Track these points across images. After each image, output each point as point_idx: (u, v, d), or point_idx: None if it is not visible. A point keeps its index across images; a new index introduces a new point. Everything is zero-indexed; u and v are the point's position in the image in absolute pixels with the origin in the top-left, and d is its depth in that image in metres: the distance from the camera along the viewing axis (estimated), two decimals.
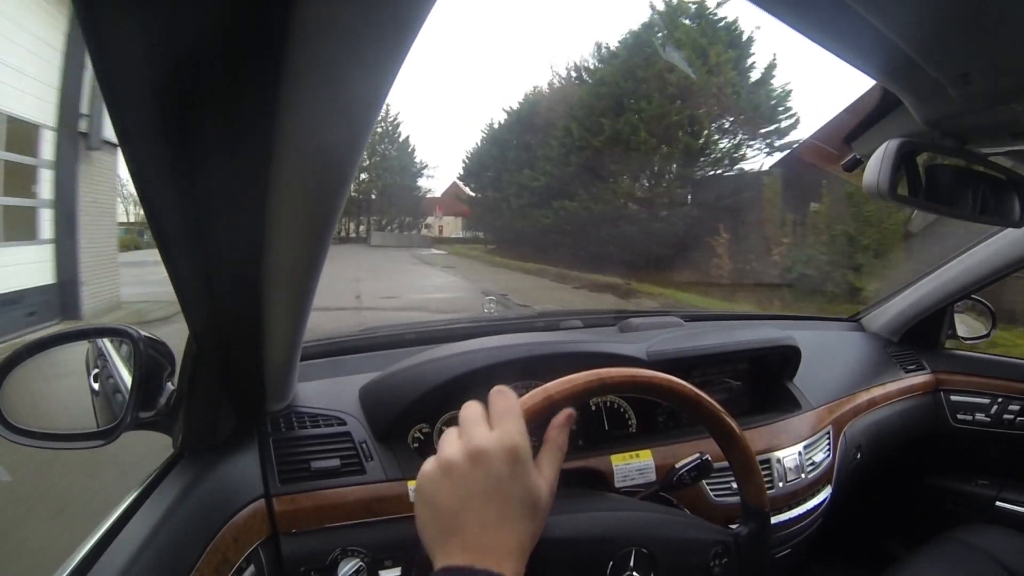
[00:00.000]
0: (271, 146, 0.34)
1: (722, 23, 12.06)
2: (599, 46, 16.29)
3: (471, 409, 0.47)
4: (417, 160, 29.12)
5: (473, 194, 23.10)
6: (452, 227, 30.62)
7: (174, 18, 0.27)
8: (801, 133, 11.88)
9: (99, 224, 7.14)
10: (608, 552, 0.56)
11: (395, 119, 27.13)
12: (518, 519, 0.42)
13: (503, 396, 0.47)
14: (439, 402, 0.83)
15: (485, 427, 0.46)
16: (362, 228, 28.38)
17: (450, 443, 0.45)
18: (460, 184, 26.89)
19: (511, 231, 17.78)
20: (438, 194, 30.15)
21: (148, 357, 0.68)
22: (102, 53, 0.28)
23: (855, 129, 0.77)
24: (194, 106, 0.32)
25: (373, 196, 27.51)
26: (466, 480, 0.42)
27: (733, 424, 0.62)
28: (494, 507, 0.41)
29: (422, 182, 29.93)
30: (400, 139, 28.07)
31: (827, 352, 1.32)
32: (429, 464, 0.45)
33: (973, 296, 1.42)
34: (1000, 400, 1.34)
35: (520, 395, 0.54)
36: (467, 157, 22.65)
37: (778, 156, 11.83)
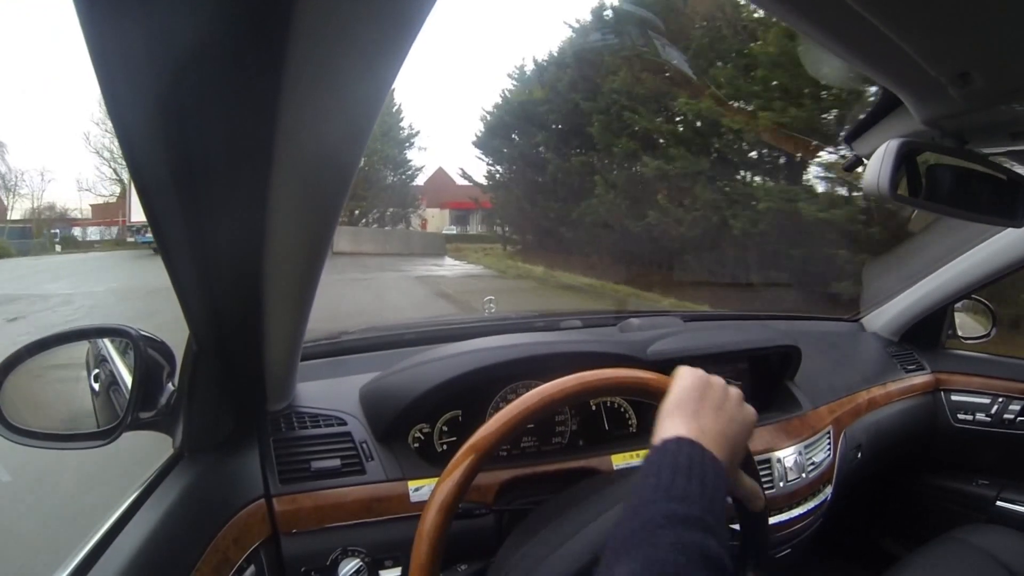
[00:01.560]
0: (271, 146, 0.34)
1: None
2: None
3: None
4: (405, 124, 20.08)
5: (485, 178, 15.52)
6: (439, 221, 24.46)
7: (174, 18, 0.27)
8: None
9: None
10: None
11: None
12: (737, 440, 0.52)
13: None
14: (439, 402, 0.83)
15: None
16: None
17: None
18: (446, 171, 22.50)
19: (545, 228, 12.45)
20: (420, 182, 22.23)
21: (148, 357, 0.68)
22: (102, 53, 0.28)
23: (855, 129, 0.77)
24: (194, 106, 0.32)
25: None
26: (717, 393, 0.54)
27: None
28: (726, 420, 0.52)
29: (413, 155, 21.97)
30: None
31: (827, 352, 1.32)
32: (697, 369, 0.56)
33: (974, 296, 1.42)
34: (1001, 400, 1.34)
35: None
36: (484, 120, 14.40)
37: None
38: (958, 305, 1.45)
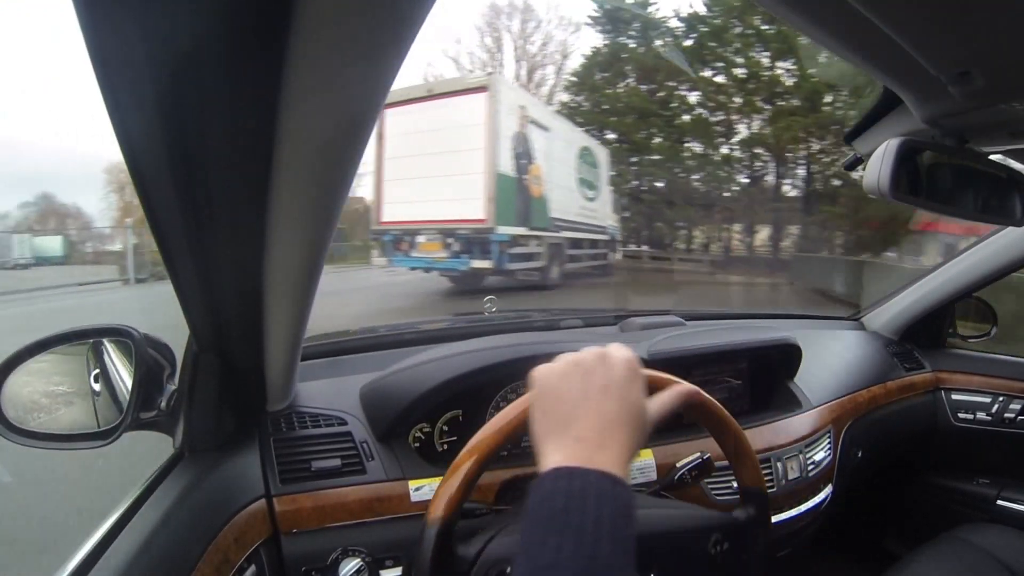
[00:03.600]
0: (271, 146, 0.34)
1: None
2: None
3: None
4: None
5: None
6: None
7: (174, 18, 0.27)
8: None
9: None
10: None
11: None
12: (630, 424, 0.43)
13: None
14: (439, 402, 0.83)
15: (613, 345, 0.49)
16: None
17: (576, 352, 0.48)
18: None
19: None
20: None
21: (149, 357, 0.68)
22: (102, 53, 0.28)
23: (856, 128, 0.77)
24: (194, 106, 0.32)
25: None
26: (591, 375, 0.45)
27: (725, 413, 0.62)
28: (613, 404, 0.43)
29: None
30: None
31: (828, 351, 1.32)
32: (553, 362, 0.48)
33: (974, 295, 1.41)
34: (1001, 399, 1.34)
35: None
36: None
37: None
38: (958, 304, 1.45)
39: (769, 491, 0.91)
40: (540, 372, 0.47)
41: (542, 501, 0.37)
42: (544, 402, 0.45)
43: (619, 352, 0.47)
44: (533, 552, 0.35)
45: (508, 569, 0.55)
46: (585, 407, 0.43)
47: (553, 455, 0.40)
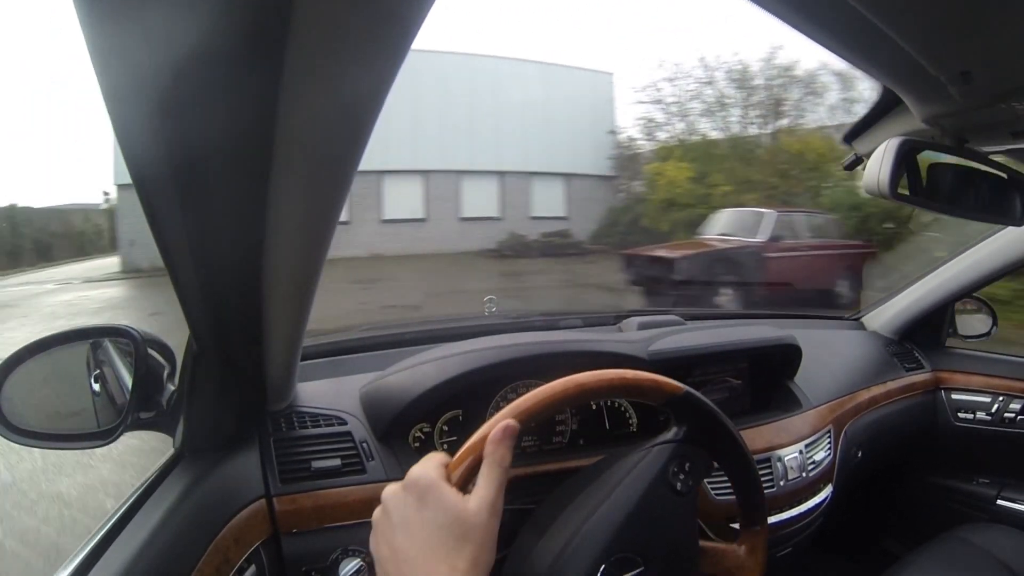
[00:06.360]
0: (271, 146, 0.34)
1: None
2: None
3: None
4: None
5: None
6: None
7: (174, 18, 0.27)
8: None
9: None
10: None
11: None
12: (445, 545, 0.41)
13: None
14: (440, 402, 0.83)
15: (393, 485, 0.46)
16: None
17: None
18: None
19: None
20: None
21: (149, 357, 0.68)
22: (102, 53, 0.28)
23: (855, 128, 0.76)
24: (194, 105, 0.32)
25: None
26: (384, 528, 0.43)
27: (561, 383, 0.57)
28: (415, 541, 0.41)
29: None
30: None
31: (828, 351, 1.32)
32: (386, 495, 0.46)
33: (974, 295, 1.41)
34: (1001, 399, 1.34)
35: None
36: None
37: None
38: (958, 304, 1.45)
39: (769, 491, 0.91)
40: (383, 498, 0.45)
41: None
42: (377, 535, 0.44)
43: (395, 487, 0.45)
44: None
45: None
46: (395, 562, 0.41)
47: None
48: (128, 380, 0.69)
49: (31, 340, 0.67)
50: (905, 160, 0.62)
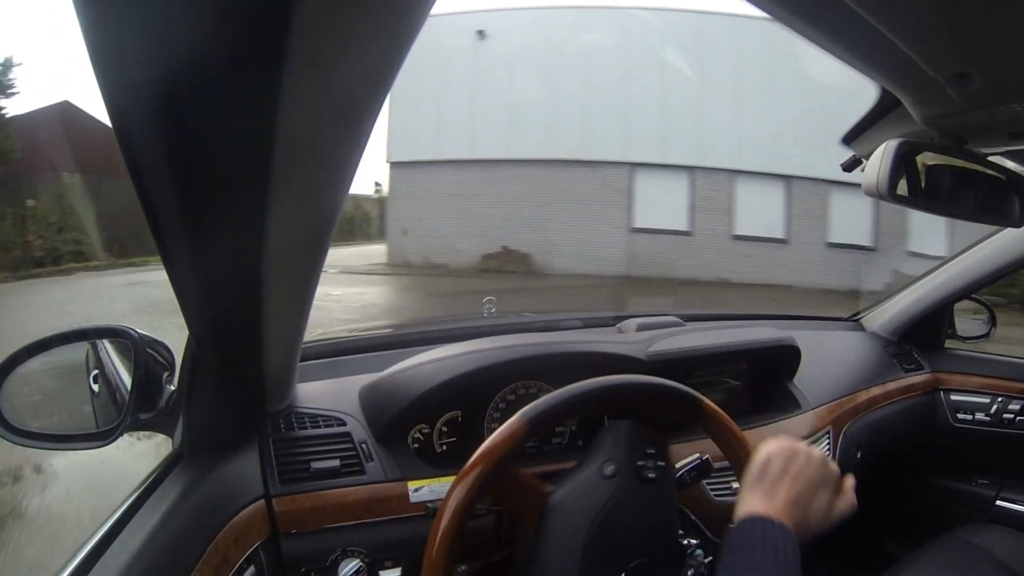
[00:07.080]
0: (270, 145, 0.34)
1: None
2: None
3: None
4: None
5: None
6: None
7: (173, 18, 0.27)
8: None
9: None
10: None
11: None
12: (808, 501, 0.57)
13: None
14: (439, 403, 0.83)
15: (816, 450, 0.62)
16: None
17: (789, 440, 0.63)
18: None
19: None
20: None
21: (148, 357, 0.68)
22: (101, 53, 0.28)
23: (854, 129, 0.77)
24: (193, 105, 0.32)
25: None
26: (803, 468, 0.58)
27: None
28: (799, 488, 0.57)
29: None
30: None
31: (827, 352, 1.32)
32: (780, 441, 0.61)
33: (973, 295, 1.42)
34: (1000, 399, 1.34)
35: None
36: None
37: None
38: (957, 305, 1.45)
39: None
40: (771, 444, 0.61)
41: (749, 532, 0.53)
42: (764, 467, 0.59)
43: (820, 454, 0.61)
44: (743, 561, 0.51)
45: None
46: (791, 482, 0.57)
47: (755, 506, 0.55)
48: (127, 380, 0.69)
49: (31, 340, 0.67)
50: (904, 161, 0.62)
